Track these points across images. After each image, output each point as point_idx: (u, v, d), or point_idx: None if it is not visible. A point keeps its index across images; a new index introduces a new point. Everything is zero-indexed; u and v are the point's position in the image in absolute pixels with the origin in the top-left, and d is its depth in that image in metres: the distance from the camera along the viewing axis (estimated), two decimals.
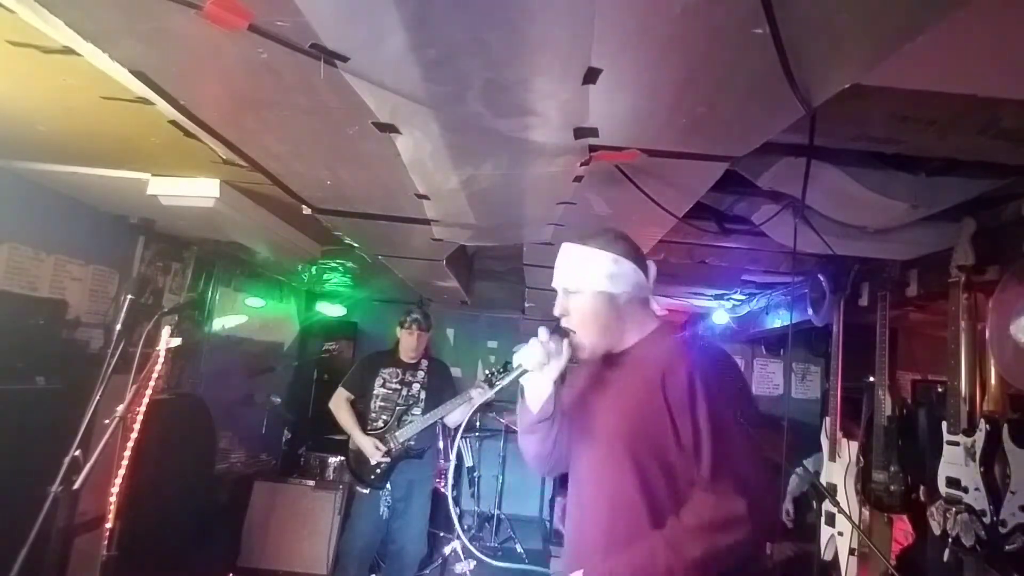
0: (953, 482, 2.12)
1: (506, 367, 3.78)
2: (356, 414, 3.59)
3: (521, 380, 1.48)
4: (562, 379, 1.49)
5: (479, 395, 3.56)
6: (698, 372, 1.32)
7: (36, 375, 2.50)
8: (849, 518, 2.75)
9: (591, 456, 1.47)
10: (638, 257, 1.48)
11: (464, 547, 4.39)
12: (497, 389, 1.62)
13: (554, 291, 1.50)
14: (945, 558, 2.13)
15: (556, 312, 1.48)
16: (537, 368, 1.43)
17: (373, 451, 3.44)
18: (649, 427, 1.35)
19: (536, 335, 1.44)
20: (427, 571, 4.34)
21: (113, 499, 1.82)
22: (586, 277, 1.44)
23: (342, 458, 4.16)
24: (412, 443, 3.51)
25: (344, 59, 1.14)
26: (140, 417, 1.84)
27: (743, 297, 4.48)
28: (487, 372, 3.76)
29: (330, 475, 4.53)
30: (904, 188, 1.97)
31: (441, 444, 4.60)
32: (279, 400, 4.81)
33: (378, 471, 3.48)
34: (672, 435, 1.32)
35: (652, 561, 1.28)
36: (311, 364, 5.61)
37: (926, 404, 2.75)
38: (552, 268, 1.52)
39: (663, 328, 1.53)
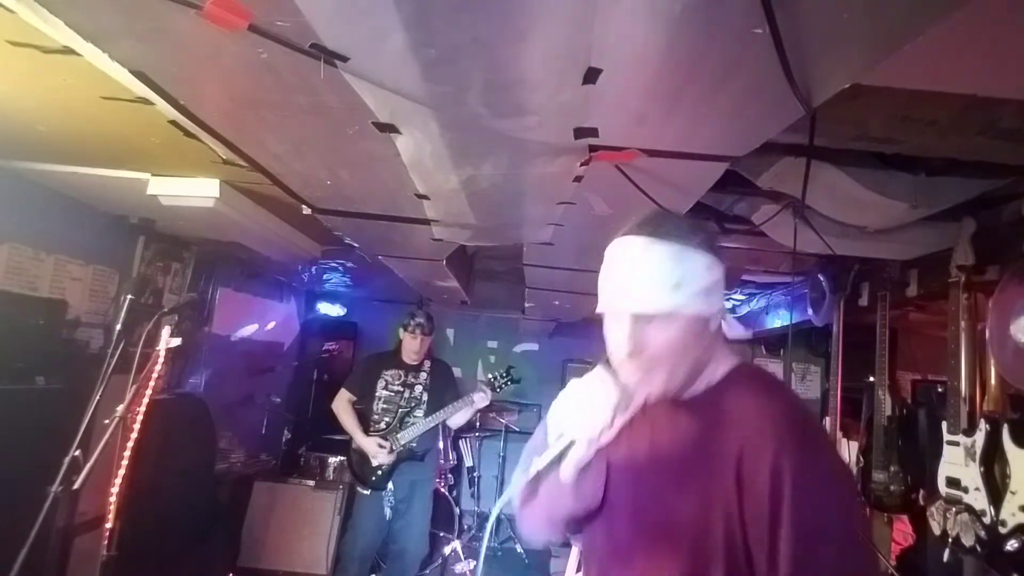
0: (953, 482, 2.12)
1: (509, 371, 3.80)
2: (359, 415, 3.59)
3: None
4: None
5: (481, 399, 3.57)
6: (792, 468, 0.87)
7: (36, 375, 2.50)
8: None
9: (621, 531, 1.05)
10: (722, 253, 1.02)
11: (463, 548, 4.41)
12: (539, 467, 1.00)
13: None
14: (945, 558, 2.13)
15: (622, 350, 0.98)
16: (591, 439, 0.98)
17: (376, 451, 3.44)
18: (713, 527, 0.92)
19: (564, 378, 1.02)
20: (427, 571, 4.34)
21: (113, 499, 1.82)
22: (679, 294, 0.95)
23: (342, 458, 4.17)
24: (414, 445, 3.52)
25: (344, 59, 1.14)
26: (140, 417, 1.85)
27: (743, 297, 4.48)
28: (489, 376, 3.77)
29: (330, 475, 4.53)
30: (904, 188, 1.97)
31: (441, 444, 4.61)
32: (279, 400, 4.81)
33: (379, 472, 3.48)
34: (739, 538, 0.90)
35: None
36: (311, 364, 5.61)
37: (926, 404, 2.74)
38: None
39: (741, 371, 1.05)
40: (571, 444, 0.98)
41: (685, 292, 0.95)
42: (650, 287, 0.95)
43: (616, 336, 0.99)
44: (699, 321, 0.97)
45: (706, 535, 0.92)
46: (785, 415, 0.95)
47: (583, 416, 0.98)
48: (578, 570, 3.30)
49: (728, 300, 4.63)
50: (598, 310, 1.03)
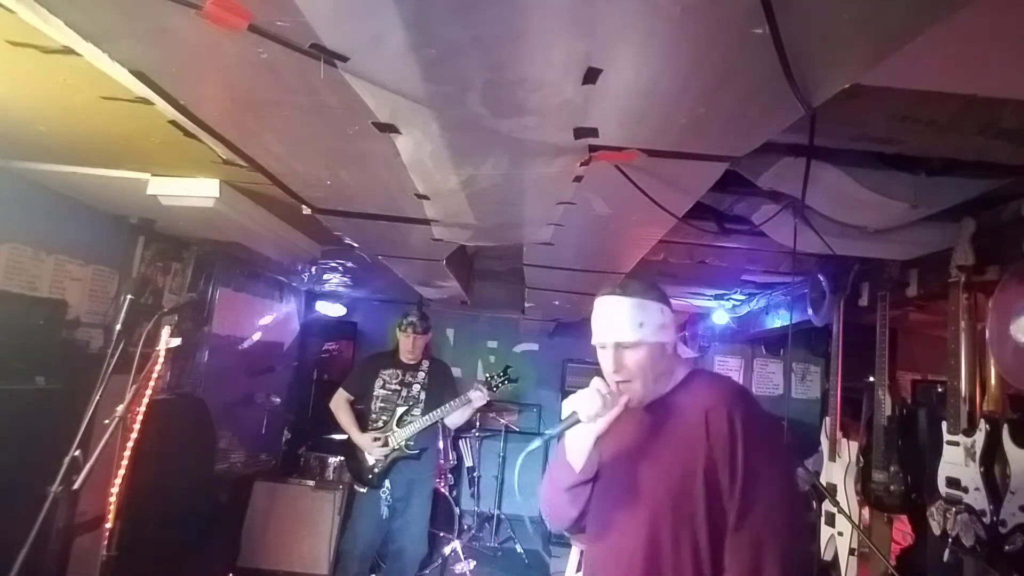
0: (953, 482, 2.12)
1: (506, 371, 3.80)
2: (357, 415, 3.60)
3: (567, 432, 1.48)
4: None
5: (478, 398, 3.58)
6: (741, 416, 1.34)
7: (36, 375, 2.50)
8: (849, 518, 2.75)
9: (625, 510, 1.44)
10: (670, 303, 1.52)
11: (464, 547, 4.40)
12: (549, 437, 1.50)
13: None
14: (945, 558, 2.13)
15: (608, 369, 1.46)
16: (590, 419, 1.42)
17: (371, 448, 3.45)
18: (693, 478, 1.34)
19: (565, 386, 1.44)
20: (427, 571, 4.34)
21: (113, 499, 1.82)
22: (643, 330, 1.43)
23: (342, 458, 4.17)
24: (411, 443, 3.52)
25: (344, 59, 1.14)
26: (140, 417, 1.84)
27: (743, 297, 4.48)
28: (487, 376, 3.78)
29: (330, 475, 4.54)
30: (904, 188, 1.97)
31: (441, 444, 4.61)
32: (278, 400, 4.81)
33: (376, 471, 3.48)
34: (716, 485, 1.32)
35: None
36: (311, 364, 5.61)
37: (926, 404, 2.74)
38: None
39: (694, 374, 1.54)
40: (576, 421, 1.44)
41: (646, 329, 1.44)
42: (623, 326, 1.44)
43: (605, 359, 1.48)
44: (658, 347, 1.46)
45: (691, 484, 1.34)
46: (731, 388, 1.51)
47: (586, 402, 1.42)
48: (578, 570, 3.31)
49: (728, 299, 4.64)
50: (593, 343, 1.50)
